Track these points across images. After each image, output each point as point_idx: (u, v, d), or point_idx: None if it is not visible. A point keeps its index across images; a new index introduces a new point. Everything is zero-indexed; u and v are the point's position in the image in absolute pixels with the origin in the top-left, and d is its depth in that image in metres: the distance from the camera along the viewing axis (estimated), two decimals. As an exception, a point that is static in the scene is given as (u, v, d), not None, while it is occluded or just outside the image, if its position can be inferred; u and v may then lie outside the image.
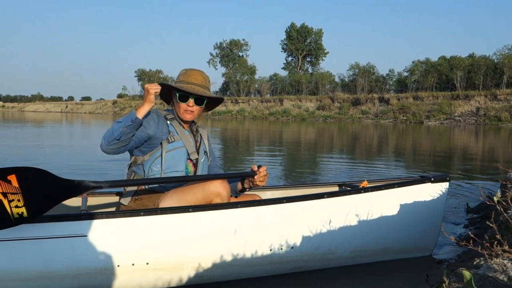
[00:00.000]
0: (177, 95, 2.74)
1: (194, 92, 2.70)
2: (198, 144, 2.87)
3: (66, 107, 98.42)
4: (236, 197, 3.04)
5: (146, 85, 2.51)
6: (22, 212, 2.13)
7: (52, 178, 2.23)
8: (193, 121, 2.90)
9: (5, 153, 10.58)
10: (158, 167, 2.67)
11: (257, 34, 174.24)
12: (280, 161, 10.16)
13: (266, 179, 2.91)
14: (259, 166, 2.89)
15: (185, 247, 2.57)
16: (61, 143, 14.49)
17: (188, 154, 2.77)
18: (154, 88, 2.50)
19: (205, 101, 2.81)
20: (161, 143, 2.69)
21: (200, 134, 2.95)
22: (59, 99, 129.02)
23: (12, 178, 2.09)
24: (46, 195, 2.20)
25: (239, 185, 2.99)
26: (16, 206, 2.11)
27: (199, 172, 2.82)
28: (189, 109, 2.75)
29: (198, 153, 2.83)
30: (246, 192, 3.16)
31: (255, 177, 2.86)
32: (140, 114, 2.49)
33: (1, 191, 2.08)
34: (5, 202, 2.09)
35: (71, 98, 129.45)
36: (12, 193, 2.10)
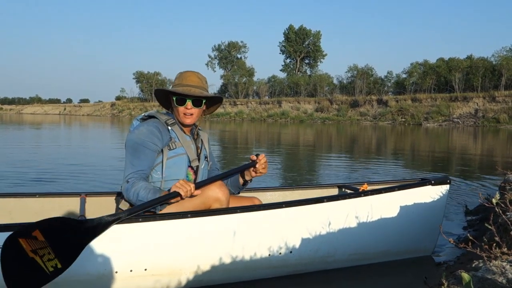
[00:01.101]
0: (174, 99, 2.67)
1: (190, 94, 2.63)
2: (199, 150, 2.83)
3: (65, 109, 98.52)
4: (239, 192, 3.03)
5: (179, 187, 2.41)
6: (56, 264, 2.12)
7: (73, 223, 2.23)
8: (194, 124, 2.83)
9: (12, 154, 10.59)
10: (158, 174, 2.63)
11: (256, 36, 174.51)
12: (279, 163, 10.17)
13: (267, 165, 2.88)
14: (257, 155, 2.84)
15: (183, 253, 2.56)
16: (60, 144, 14.48)
17: (189, 161, 2.72)
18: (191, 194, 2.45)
19: (204, 102, 2.74)
20: (162, 150, 2.63)
21: (201, 139, 2.90)
22: (57, 101, 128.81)
23: (37, 233, 2.08)
24: (73, 241, 2.20)
25: (241, 180, 2.95)
26: (49, 260, 2.10)
27: (199, 179, 2.76)
28: (188, 112, 2.67)
29: (199, 160, 2.79)
30: (246, 195, 3.15)
31: (257, 166, 2.82)
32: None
33: (31, 249, 2.06)
34: (38, 259, 2.07)
35: (69, 100, 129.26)
36: (41, 248, 2.08)
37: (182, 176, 2.67)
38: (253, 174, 2.87)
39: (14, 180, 6.85)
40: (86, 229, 2.24)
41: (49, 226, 2.13)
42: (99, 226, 2.29)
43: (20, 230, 2.07)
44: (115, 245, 2.41)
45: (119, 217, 2.34)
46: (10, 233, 2.22)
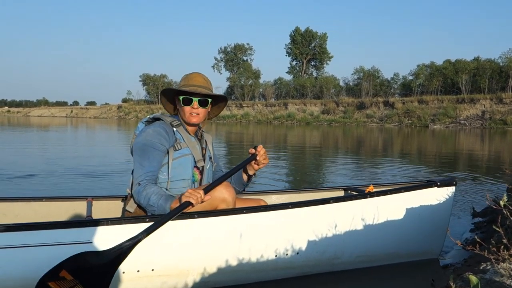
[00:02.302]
0: (181, 99, 2.70)
1: (197, 92, 2.67)
2: (204, 151, 2.85)
3: (71, 112, 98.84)
4: (244, 189, 3.03)
5: (189, 197, 2.42)
6: None
7: (96, 256, 2.26)
8: (198, 126, 2.86)
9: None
10: (164, 175, 2.64)
11: (262, 39, 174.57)
12: (285, 165, 10.16)
13: (267, 156, 2.86)
14: (254, 147, 2.83)
15: (190, 253, 2.57)
16: (67, 147, 14.56)
17: (195, 161, 2.73)
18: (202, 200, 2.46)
19: (209, 102, 2.77)
20: (167, 151, 2.65)
21: (205, 140, 2.92)
22: (64, 104, 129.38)
23: (64, 273, 2.13)
24: (100, 273, 2.24)
25: (244, 176, 2.95)
26: None
27: (204, 179, 2.79)
28: (194, 112, 2.70)
29: (204, 160, 2.80)
30: (251, 197, 3.15)
31: (257, 158, 2.80)
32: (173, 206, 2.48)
33: None
34: None
35: (76, 103, 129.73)
36: (72, 287, 2.15)
37: (188, 176, 2.69)
38: (256, 167, 2.86)
39: (20, 183, 6.89)
40: (110, 259, 2.28)
41: (74, 263, 2.17)
42: (122, 253, 2.32)
43: (47, 274, 2.11)
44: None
45: (139, 239, 2.36)
46: (13, 233, 2.25)
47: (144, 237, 2.37)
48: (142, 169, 2.56)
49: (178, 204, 2.44)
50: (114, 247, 2.31)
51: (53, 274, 2.11)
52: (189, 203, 2.40)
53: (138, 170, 2.58)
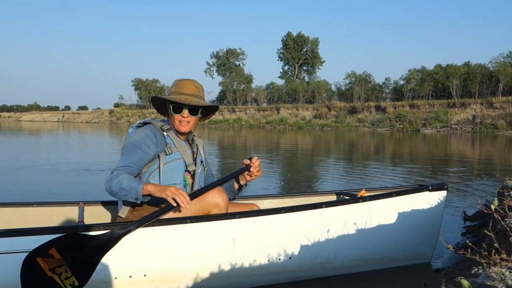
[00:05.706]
0: (171, 107, 2.71)
1: (187, 103, 2.67)
2: (195, 155, 2.85)
3: (63, 116, 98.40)
4: (234, 198, 3.04)
5: (174, 194, 2.42)
6: (73, 282, 2.18)
7: (86, 239, 2.26)
8: (189, 131, 2.86)
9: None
10: (156, 179, 2.64)
11: (254, 43, 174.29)
12: (277, 170, 10.16)
13: (261, 168, 2.89)
14: (250, 158, 2.85)
15: (183, 259, 2.56)
16: (58, 152, 14.48)
17: (186, 165, 2.74)
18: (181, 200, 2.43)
19: (200, 110, 2.78)
20: (158, 156, 2.66)
21: (196, 144, 2.93)
22: (55, 108, 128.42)
23: (53, 251, 2.14)
24: (87, 257, 2.24)
25: (236, 185, 2.97)
26: (66, 278, 2.16)
27: (196, 183, 2.79)
28: (184, 120, 2.71)
29: (195, 164, 2.81)
30: (244, 202, 3.15)
31: (251, 169, 2.83)
32: (145, 193, 2.48)
33: (49, 267, 2.12)
34: (56, 277, 2.13)
35: (67, 108, 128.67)
36: (58, 266, 2.14)
37: (180, 181, 2.70)
38: (248, 178, 2.89)
39: (11, 188, 6.83)
40: (99, 244, 2.28)
41: (64, 243, 2.18)
42: (111, 240, 2.32)
43: (37, 249, 2.11)
44: (114, 250, 2.40)
45: (129, 229, 2.37)
46: (4, 239, 2.24)
47: (134, 229, 2.39)
48: (119, 163, 2.59)
49: (150, 187, 2.45)
50: (105, 233, 2.32)
51: (43, 250, 2.11)
52: (173, 207, 2.43)
53: (117, 164, 2.59)
